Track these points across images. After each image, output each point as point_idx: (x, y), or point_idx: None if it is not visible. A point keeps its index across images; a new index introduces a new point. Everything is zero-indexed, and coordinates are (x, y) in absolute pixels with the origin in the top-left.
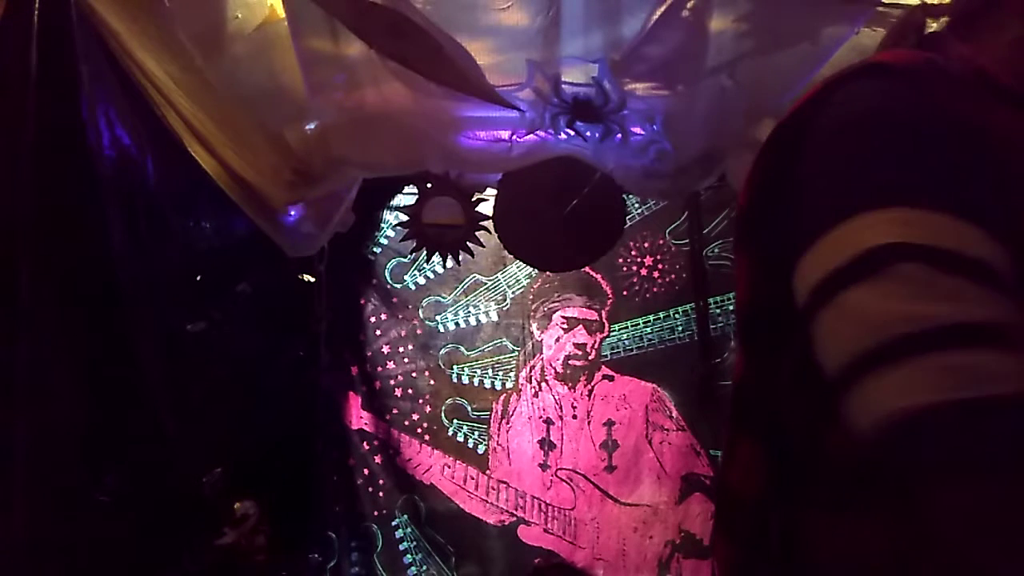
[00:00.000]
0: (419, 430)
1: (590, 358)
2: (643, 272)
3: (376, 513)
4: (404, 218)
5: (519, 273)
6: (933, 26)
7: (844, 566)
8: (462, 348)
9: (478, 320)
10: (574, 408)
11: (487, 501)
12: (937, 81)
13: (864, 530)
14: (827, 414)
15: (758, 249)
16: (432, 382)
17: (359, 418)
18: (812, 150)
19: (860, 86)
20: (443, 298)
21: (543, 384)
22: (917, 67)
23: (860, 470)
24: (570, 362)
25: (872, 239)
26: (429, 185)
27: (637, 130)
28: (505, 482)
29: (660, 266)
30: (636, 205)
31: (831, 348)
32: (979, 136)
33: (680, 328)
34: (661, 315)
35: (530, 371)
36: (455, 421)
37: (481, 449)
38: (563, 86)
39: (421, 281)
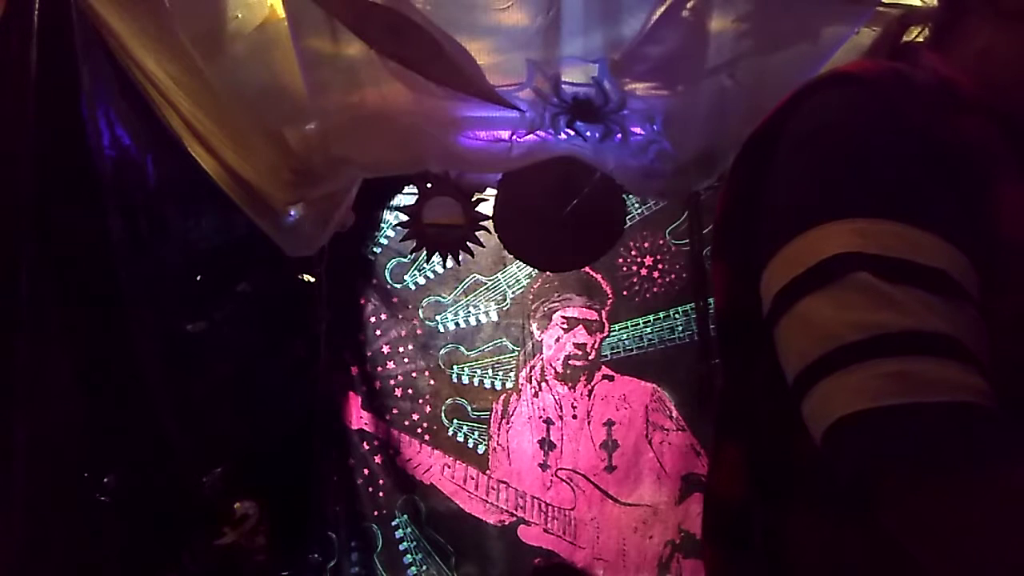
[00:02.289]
0: (419, 430)
1: (590, 358)
2: (643, 272)
3: (376, 513)
4: (404, 218)
5: (519, 273)
6: (915, 35)
7: (825, 568)
8: (462, 348)
9: (478, 320)
10: (574, 408)
11: (487, 501)
12: (900, 90)
13: (842, 532)
14: (797, 420)
15: (732, 258)
16: (432, 382)
17: (359, 418)
18: (777, 161)
19: (824, 97)
20: (443, 298)
21: (543, 384)
22: (880, 77)
23: (830, 473)
24: (570, 362)
25: (827, 249)
26: (429, 185)
27: (637, 130)
28: (505, 482)
29: (660, 266)
30: (636, 205)
31: (788, 357)
32: (940, 145)
33: (680, 328)
34: (661, 315)
35: (530, 371)
36: (455, 421)
37: (481, 449)
38: (563, 86)
39: (421, 281)
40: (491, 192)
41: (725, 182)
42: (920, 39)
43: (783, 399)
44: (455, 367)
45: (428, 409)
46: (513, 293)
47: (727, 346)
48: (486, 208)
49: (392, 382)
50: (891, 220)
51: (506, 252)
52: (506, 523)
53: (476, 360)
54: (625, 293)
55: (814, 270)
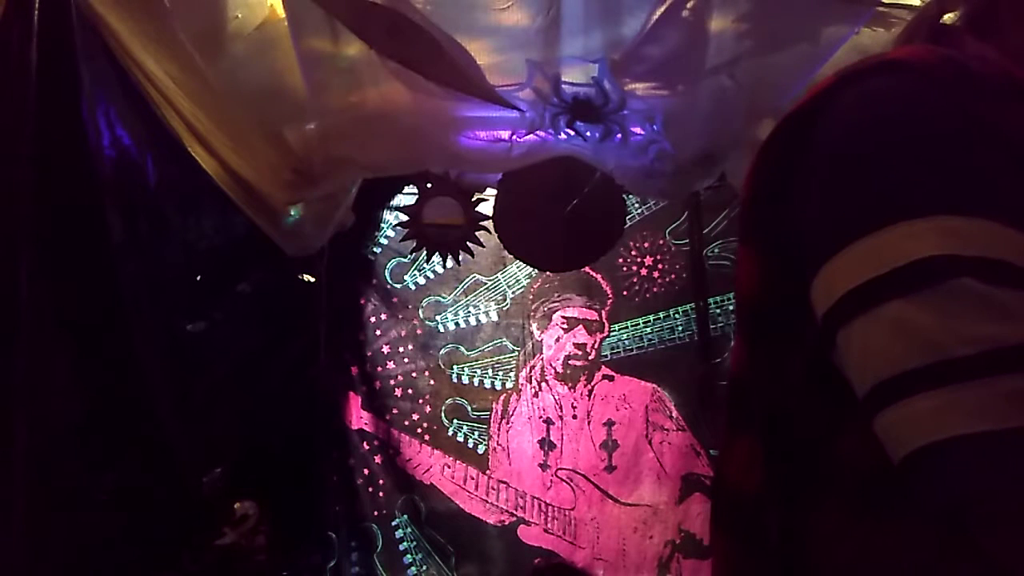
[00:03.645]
0: (419, 430)
1: (590, 358)
2: (643, 272)
3: (376, 513)
4: (404, 218)
5: (519, 273)
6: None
7: (856, 572)
8: (462, 348)
9: (478, 320)
10: (574, 408)
11: (487, 501)
12: (956, 79)
13: (885, 538)
14: (842, 420)
15: (765, 245)
16: (432, 382)
17: (359, 418)
18: (830, 150)
19: (878, 84)
20: (443, 298)
21: (543, 384)
22: (936, 65)
23: (879, 478)
24: (570, 362)
25: (918, 250)
26: (429, 185)
27: (637, 130)
28: (505, 482)
29: (660, 266)
30: (636, 205)
31: (867, 361)
32: (1004, 136)
33: (680, 328)
34: (661, 315)
35: (530, 371)
36: (455, 421)
37: (481, 449)
38: (563, 86)
39: (421, 281)
40: (491, 192)
41: (752, 166)
42: (955, 22)
43: (823, 398)
44: (455, 367)
45: (428, 409)
46: (513, 293)
47: (751, 334)
48: (486, 208)
49: (392, 382)
50: (978, 217)
51: (506, 252)
52: (506, 523)
53: (476, 360)
54: (625, 293)
55: (904, 271)
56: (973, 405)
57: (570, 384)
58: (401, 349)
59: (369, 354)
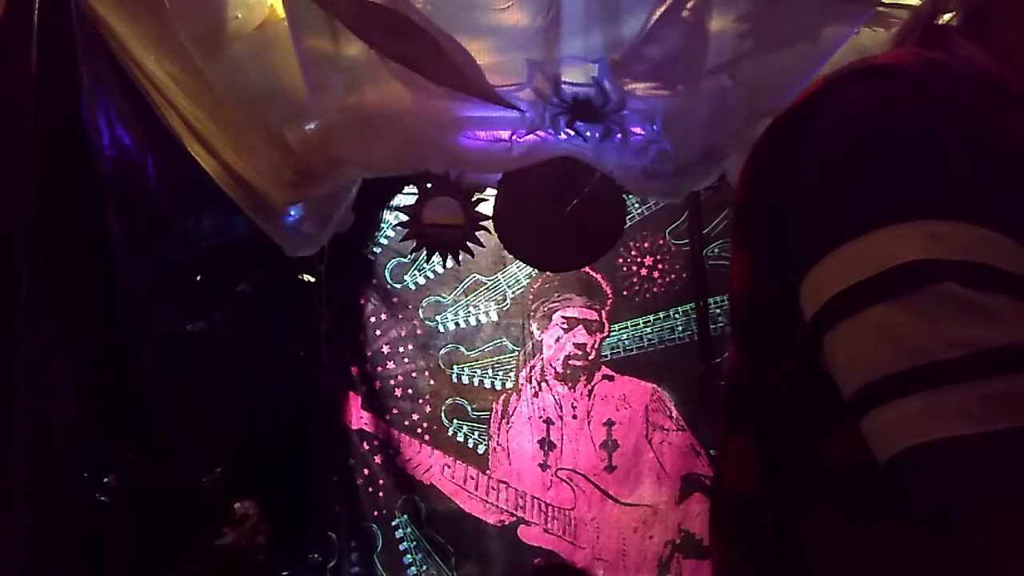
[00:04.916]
0: (419, 430)
1: (590, 358)
2: (643, 272)
3: (376, 513)
4: (404, 218)
5: (519, 273)
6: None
7: (854, 574)
8: (462, 348)
9: (478, 320)
10: (574, 408)
11: (487, 501)
12: (945, 85)
13: (877, 540)
14: (832, 422)
15: (757, 247)
16: (432, 382)
17: (359, 418)
18: (817, 154)
19: (865, 90)
20: (443, 298)
21: (543, 384)
22: (923, 69)
23: (871, 480)
24: (570, 362)
25: (902, 254)
26: (429, 185)
27: (637, 130)
28: (505, 482)
29: (660, 266)
30: (636, 205)
31: (853, 364)
32: (993, 142)
33: (680, 328)
34: (661, 315)
35: (530, 371)
36: (455, 421)
37: (481, 449)
38: (563, 86)
39: (421, 281)
40: (491, 192)
41: (743, 169)
42: (949, 22)
43: (813, 400)
44: (455, 367)
45: (428, 409)
46: (513, 293)
47: (744, 336)
48: (486, 208)
49: (392, 382)
50: (961, 222)
51: (506, 252)
52: (506, 523)
53: (476, 360)
54: (625, 293)
55: (887, 276)
56: (957, 408)
57: (570, 384)
58: (401, 349)
59: (369, 354)
